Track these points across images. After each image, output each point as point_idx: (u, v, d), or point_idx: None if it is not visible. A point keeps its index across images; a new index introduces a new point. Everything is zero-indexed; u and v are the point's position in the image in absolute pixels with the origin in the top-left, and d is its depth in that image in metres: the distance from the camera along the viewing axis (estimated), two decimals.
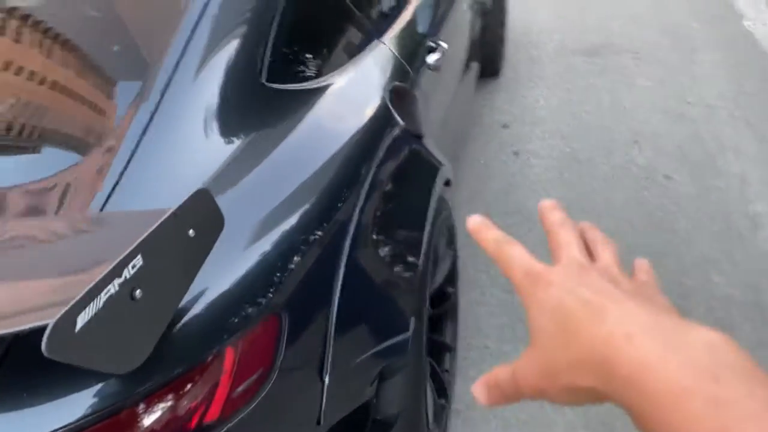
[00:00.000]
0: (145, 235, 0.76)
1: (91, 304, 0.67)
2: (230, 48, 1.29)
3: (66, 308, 0.64)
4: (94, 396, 0.87)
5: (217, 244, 1.03)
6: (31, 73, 1.30)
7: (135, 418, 0.90)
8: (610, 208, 2.64)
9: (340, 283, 1.16)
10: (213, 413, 0.96)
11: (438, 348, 1.79)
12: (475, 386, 0.42)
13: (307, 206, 1.18)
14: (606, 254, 0.44)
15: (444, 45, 1.93)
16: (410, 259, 1.33)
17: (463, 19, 2.58)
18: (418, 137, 1.57)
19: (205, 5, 1.27)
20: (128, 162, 1.08)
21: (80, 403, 0.86)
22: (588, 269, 0.41)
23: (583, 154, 3.00)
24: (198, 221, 0.87)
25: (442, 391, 1.74)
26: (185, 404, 0.94)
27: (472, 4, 2.79)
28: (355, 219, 1.22)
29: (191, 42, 1.25)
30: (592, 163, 2.93)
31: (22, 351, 0.86)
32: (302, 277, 1.11)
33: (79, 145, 1.18)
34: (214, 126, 1.20)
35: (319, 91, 1.39)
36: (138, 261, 0.75)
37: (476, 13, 2.90)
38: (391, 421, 1.31)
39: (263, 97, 1.28)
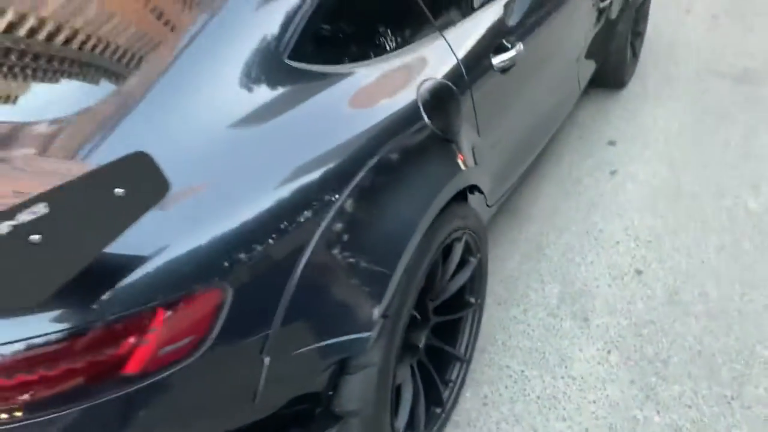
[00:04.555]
0: (53, 186, 0.81)
1: None
2: (258, 19, 1.31)
3: None
4: (21, 322, 0.94)
5: (185, 204, 1.06)
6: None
7: (58, 354, 0.96)
8: (700, 251, 2.39)
9: (299, 272, 1.16)
10: (134, 366, 1.01)
11: (444, 355, 1.74)
12: None
13: (288, 190, 1.18)
14: None
15: (519, 46, 1.83)
16: (385, 259, 1.30)
17: (568, 24, 2.43)
18: (446, 139, 1.51)
19: None
20: (126, 115, 1.14)
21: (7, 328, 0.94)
22: None
23: (688, 188, 2.73)
24: (132, 182, 0.90)
25: (438, 399, 1.69)
26: (108, 351, 0.99)
27: (589, 10, 2.62)
28: (335, 210, 1.21)
29: (221, 10, 1.29)
30: (695, 199, 2.67)
31: None
32: (261, 258, 1.12)
33: (95, 87, 1.26)
34: (220, 94, 1.23)
35: (343, 76, 1.38)
36: (40, 209, 0.79)
37: (595, 20, 2.72)
38: (343, 415, 1.30)
39: (279, 73, 1.29)
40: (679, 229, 2.51)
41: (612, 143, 3.07)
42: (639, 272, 2.31)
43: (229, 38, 1.27)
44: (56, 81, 1.28)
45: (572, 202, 2.67)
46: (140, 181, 0.92)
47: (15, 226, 0.77)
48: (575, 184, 2.79)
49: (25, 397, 0.96)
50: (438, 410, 1.70)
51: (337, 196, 1.22)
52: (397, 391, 1.52)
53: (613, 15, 2.94)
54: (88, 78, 1.28)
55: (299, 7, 1.35)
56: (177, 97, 1.19)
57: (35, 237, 0.79)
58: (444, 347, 1.72)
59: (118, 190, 0.88)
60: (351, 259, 1.24)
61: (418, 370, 1.62)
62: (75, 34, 1.34)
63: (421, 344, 1.62)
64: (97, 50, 1.31)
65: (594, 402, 1.86)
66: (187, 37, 1.25)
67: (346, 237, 1.23)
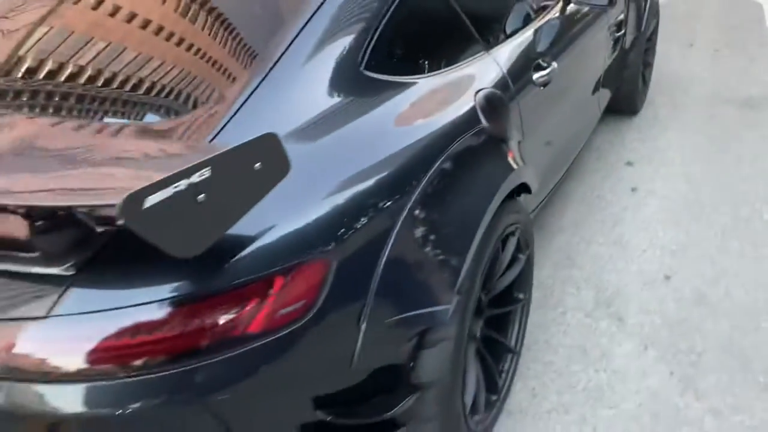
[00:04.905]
0: (216, 153, 0.96)
1: (159, 192, 0.87)
2: (340, 34, 1.49)
3: (138, 189, 0.84)
4: (163, 285, 1.08)
5: (294, 188, 1.21)
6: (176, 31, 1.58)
7: (195, 313, 1.10)
8: (723, 257, 2.54)
9: (388, 249, 1.31)
10: (255, 326, 1.15)
11: (497, 346, 1.86)
12: None
13: (376, 178, 1.34)
14: None
15: (554, 65, 2.02)
16: (458, 243, 1.45)
17: (590, 50, 2.63)
18: (501, 140, 1.68)
19: None
20: (235, 113, 1.31)
21: (144, 291, 1.08)
22: None
23: (706, 201, 2.90)
24: (265, 160, 1.05)
25: (494, 387, 1.81)
26: (235, 311, 1.13)
27: (606, 39, 2.83)
28: (415, 198, 1.37)
29: (308, 25, 1.47)
30: (714, 211, 2.83)
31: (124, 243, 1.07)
32: (357, 236, 1.27)
33: (201, 96, 1.43)
34: (313, 96, 1.40)
35: (412, 85, 1.55)
36: (207, 172, 0.94)
37: (611, 49, 2.93)
38: (420, 386, 1.42)
39: (357, 81, 1.46)
40: (701, 239, 2.66)
41: (630, 164, 3.24)
42: (667, 277, 2.45)
43: (317, 51, 1.44)
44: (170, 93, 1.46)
45: (597, 217, 2.83)
46: (270, 159, 1.07)
47: (190, 185, 0.92)
48: (598, 200, 2.96)
49: (165, 351, 1.10)
50: (494, 397, 1.82)
51: (416, 184, 1.38)
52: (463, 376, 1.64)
53: (627, 44, 3.16)
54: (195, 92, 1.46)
55: (371, 25, 1.54)
56: (279, 95, 1.36)
57: (201, 196, 0.94)
58: (498, 338, 1.85)
59: (257, 165, 1.04)
60: (430, 242, 1.39)
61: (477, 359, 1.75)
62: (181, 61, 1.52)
63: (478, 334, 1.75)
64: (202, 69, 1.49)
65: (637, 392, 1.98)
66: (283, 47, 1.43)
67: (425, 222, 1.39)
